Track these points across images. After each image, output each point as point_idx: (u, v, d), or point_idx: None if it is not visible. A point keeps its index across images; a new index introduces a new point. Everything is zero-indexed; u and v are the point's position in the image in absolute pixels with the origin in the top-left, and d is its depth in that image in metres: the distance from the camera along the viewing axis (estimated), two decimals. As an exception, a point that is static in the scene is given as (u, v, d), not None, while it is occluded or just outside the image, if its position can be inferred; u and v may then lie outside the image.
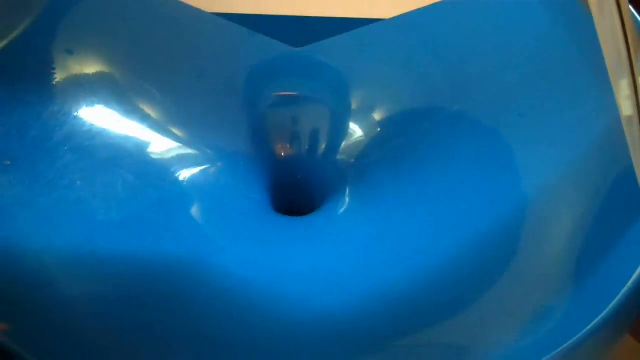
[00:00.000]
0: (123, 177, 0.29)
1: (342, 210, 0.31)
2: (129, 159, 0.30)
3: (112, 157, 0.30)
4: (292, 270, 0.28)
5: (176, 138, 0.31)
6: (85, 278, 0.26)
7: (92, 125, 0.30)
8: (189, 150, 0.31)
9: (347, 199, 0.32)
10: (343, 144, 0.32)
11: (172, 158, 0.31)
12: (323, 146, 0.33)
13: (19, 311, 0.24)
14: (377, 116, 0.33)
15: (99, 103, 0.30)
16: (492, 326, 0.24)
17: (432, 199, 0.30)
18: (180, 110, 0.32)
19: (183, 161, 0.31)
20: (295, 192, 0.34)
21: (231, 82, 0.33)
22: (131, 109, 0.31)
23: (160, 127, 0.31)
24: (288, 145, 0.33)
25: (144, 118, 0.31)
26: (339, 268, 0.28)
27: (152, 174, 0.30)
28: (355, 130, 0.32)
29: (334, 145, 0.33)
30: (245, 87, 0.32)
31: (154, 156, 0.31)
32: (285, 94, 0.33)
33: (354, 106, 0.32)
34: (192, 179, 0.31)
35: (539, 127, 0.29)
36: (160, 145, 0.31)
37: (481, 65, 0.32)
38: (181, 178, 0.31)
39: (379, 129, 0.32)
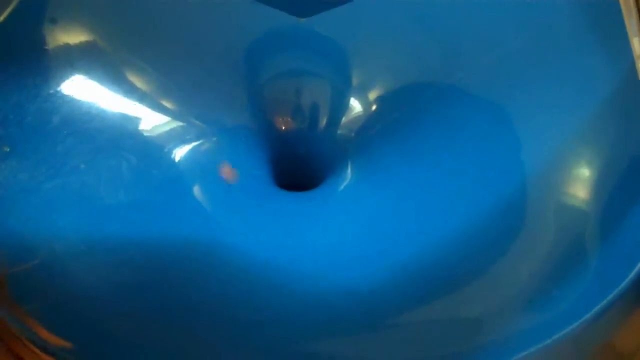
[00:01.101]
0: (126, 159, 0.29)
1: (345, 184, 0.31)
2: (130, 140, 0.30)
3: (112, 138, 0.29)
4: (303, 247, 0.28)
5: (175, 114, 0.31)
6: (99, 266, 0.26)
7: (89, 106, 0.29)
8: (188, 127, 0.31)
9: (350, 173, 0.32)
10: (343, 118, 0.32)
11: (173, 136, 0.30)
12: (324, 120, 0.33)
13: (36, 302, 0.24)
14: (376, 90, 0.32)
15: (94, 83, 0.30)
16: (507, 300, 0.24)
17: (435, 169, 0.30)
18: (177, 84, 0.31)
19: (184, 139, 0.31)
20: (296, 166, 0.34)
21: (229, 53, 0.32)
22: (127, 87, 0.30)
23: (158, 104, 0.31)
24: (289, 119, 0.33)
25: (142, 96, 0.30)
26: (349, 242, 0.28)
27: (154, 154, 0.30)
28: (355, 105, 0.32)
29: (334, 120, 0.33)
30: (244, 58, 0.32)
31: (154, 135, 0.30)
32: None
33: (353, 80, 0.32)
34: (194, 157, 0.31)
35: (543, 93, 0.29)
36: (160, 123, 0.31)
37: (478, 34, 0.32)
38: (183, 156, 0.30)
39: (378, 103, 0.32)
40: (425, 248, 0.27)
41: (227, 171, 0.31)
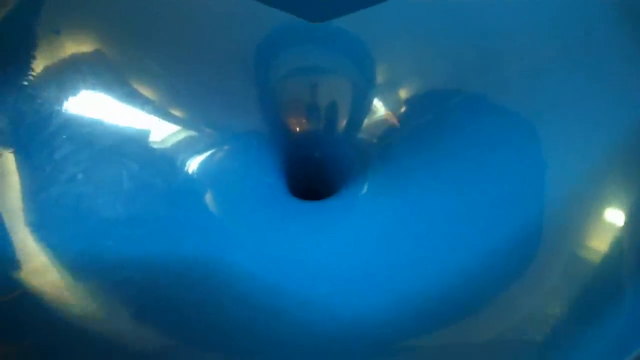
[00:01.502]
0: (127, 168, 0.27)
1: (364, 193, 0.29)
2: (132, 147, 0.27)
3: (113, 146, 0.27)
4: (313, 269, 0.26)
5: (181, 121, 0.29)
6: (95, 289, 0.24)
7: (90, 111, 0.27)
8: (195, 133, 0.29)
9: (370, 182, 0.29)
10: (365, 120, 0.30)
11: (178, 143, 0.28)
12: (343, 123, 0.30)
13: (26, 334, 0.22)
14: (402, 92, 0.29)
15: (95, 87, 0.27)
16: (529, 338, 0.22)
17: (458, 188, 0.27)
18: (183, 89, 0.29)
19: (189, 146, 0.28)
20: (312, 173, 0.32)
21: (238, 53, 0.29)
22: (130, 92, 0.28)
23: (162, 110, 0.28)
24: (303, 120, 0.31)
25: (145, 101, 0.28)
26: (363, 264, 0.26)
27: (157, 162, 0.28)
28: (378, 107, 0.30)
29: (355, 122, 0.30)
30: (254, 56, 0.29)
31: (158, 143, 0.28)
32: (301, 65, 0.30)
33: (377, 80, 0.29)
34: (201, 165, 0.28)
35: (578, 114, 0.27)
36: (164, 129, 0.28)
37: (512, 39, 0.28)
38: (189, 165, 0.28)
39: (402, 106, 0.29)
40: (452, 272, 0.25)
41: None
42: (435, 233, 0.26)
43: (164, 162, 0.28)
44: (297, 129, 0.31)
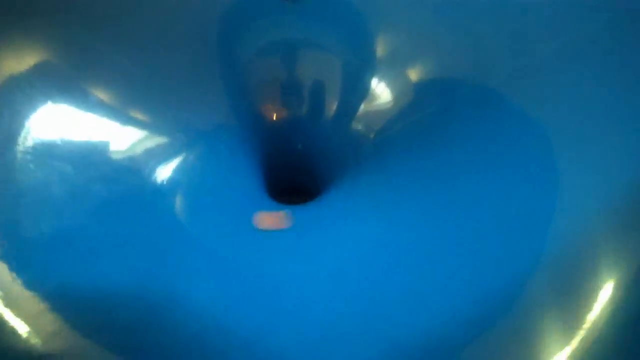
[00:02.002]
0: (88, 188, 0.21)
1: (349, 201, 0.24)
2: (92, 165, 0.22)
3: (72, 163, 0.22)
4: (279, 307, 0.21)
5: (142, 125, 0.23)
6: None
7: (41, 129, 0.21)
8: (159, 139, 0.24)
9: (362, 184, 0.24)
10: (360, 108, 0.24)
11: (142, 153, 0.23)
12: (332, 109, 0.24)
13: None
14: (404, 76, 0.24)
15: (42, 100, 0.22)
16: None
17: (461, 204, 0.23)
18: (140, 87, 0.23)
19: (155, 154, 0.23)
20: (293, 169, 0.26)
21: (198, 31, 0.24)
22: (83, 99, 0.22)
23: (122, 115, 0.23)
24: (281, 106, 0.25)
25: (101, 107, 0.22)
26: (349, 304, 0.21)
27: (122, 178, 0.22)
28: (376, 93, 0.24)
29: (346, 109, 0.24)
30: (218, 32, 0.23)
31: (121, 155, 0.23)
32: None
33: (374, 59, 0.23)
34: (169, 176, 0.23)
35: (587, 118, 0.22)
36: (126, 138, 0.23)
37: (542, 17, 0.23)
38: (156, 176, 0.23)
39: (406, 93, 0.24)
40: (463, 299, 0.21)
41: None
42: (433, 264, 0.22)
43: (127, 177, 0.23)
44: (274, 116, 0.25)
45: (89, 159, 0.22)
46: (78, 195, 0.21)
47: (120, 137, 0.23)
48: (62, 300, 0.20)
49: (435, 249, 0.22)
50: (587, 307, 0.19)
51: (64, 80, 0.22)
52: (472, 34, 0.23)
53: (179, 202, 0.23)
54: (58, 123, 0.22)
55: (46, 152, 0.22)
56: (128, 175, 0.22)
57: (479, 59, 0.23)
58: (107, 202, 0.22)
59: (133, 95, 0.23)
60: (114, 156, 0.23)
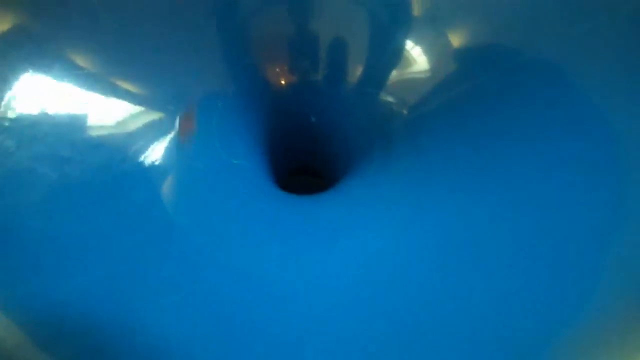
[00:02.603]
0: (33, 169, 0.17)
1: (380, 187, 0.20)
2: (76, 139, 0.18)
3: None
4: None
5: (127, 96, 0.19)
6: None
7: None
8: (146, 113, 0.19)
9: (392, 169, 0.20)
10: (392, 75, 0.19)
11: (128, 133, 0.19)
12: (355, 74, 0.20)
13: None
14: (447, 36, 0.19)
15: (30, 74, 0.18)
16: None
17: (526, 186, 0.19)
18: (123, 45, 0.19)
19: (141, 133, 0.19)
20: (306, 147, 0.21)
21: None
22: (60, 66, 0.18)
23: (112, 88, 0.19)
24: (288, 68, 0.20)
25: (92, 80, 0.18)
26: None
27: (97, 162, 0.18)
28: (411, 57, 0.19)
29: (373, 77, 0.20)
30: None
31: (100, 135, 0.19)
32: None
33: (410, 13, 0.19)
34: (149, 156, 0.19)
35: None
36: (109, 114, 0.19)
37: None
38: (133, 156, 0.19)
39: (450, 59, 0.19)
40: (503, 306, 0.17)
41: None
42: (479, 271, 0.18)
43: (105, 161, 0.18)
44: (281, 82, 0.20)
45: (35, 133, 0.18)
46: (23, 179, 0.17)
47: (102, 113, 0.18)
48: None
49: (480, 252, 0.18)
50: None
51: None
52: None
53: (162, 190, 0.19)
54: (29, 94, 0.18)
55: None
56: (94, 154, 0.18)
57: (535, 25, 0.18)
58: (64, 189, 0.17)
59: (110, 57, 0.18)
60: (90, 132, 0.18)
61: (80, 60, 0.18)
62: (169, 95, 0.19)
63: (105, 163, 0.18)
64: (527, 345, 0.17)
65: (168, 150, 0.19)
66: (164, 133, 0.19)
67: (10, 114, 0.17)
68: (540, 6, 0.19)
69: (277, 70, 0.20)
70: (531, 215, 0.19)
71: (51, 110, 0.17)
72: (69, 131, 0.17)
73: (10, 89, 0.17)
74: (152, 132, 0.19)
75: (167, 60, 0.19)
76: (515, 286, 0.18)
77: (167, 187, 0.19)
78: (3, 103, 0.17)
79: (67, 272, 0.16)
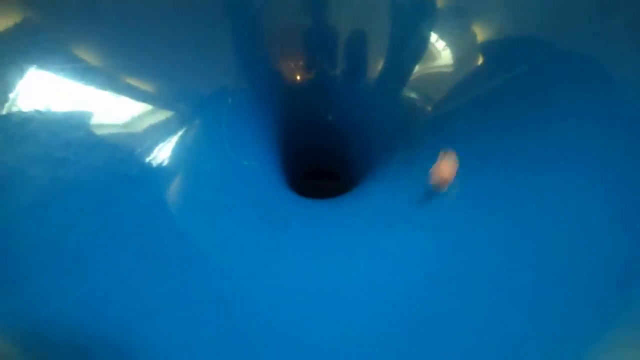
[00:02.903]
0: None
1: (402, 191, 0.19)
2: (78, 138, 0.17)
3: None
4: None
5: (135, 94, 0.18)
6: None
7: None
8: (149, 109, 0.18)
9: (415, 170, 0.19)
10: (415, 70, 0.18)
11: (129, 131, 0.18)
12: (376, 69, 0.19)
13: None
14: (479, 28, 0.18)
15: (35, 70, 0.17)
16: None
17: (560, 191, 0.17)
18: (126, 37, 0.18)
19: (143, 131, 0.18)
20: (322, 146, 0.20)
21: None
22: (56, 58, 0.17)
23: (119, 85, 0.18)
24: (304, 63, 0.18)
25: (77, 69, 0.17)
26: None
27: (94, 163, 0.17)
28: (437, 51, 0.17)
29: (396, 71, 0.18)
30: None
31: (99, 134, 0.17)
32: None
33: (439, 3, 0.17)
34: (162, 160, 0.18)
35: None
36: (109, 111, 0.18)
37: None
38: (141, 158, 0.18)
39: (478, 54, 0.18)
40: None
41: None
42: (508, 281, 0.17)
43: (100, 155, 0.17)
44: (296, 78, 0.18)
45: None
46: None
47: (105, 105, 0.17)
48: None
49: (509, 263, 0.17)
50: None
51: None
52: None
53: (167, 193, 0.17)
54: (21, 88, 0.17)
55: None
56: (91, 155, 0.17)
57: (568, 17, 0.17)
58: (56, 193, 0.16)
59: (111, 49, 0.17)
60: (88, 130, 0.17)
61: (80, 53, 0.17)
62: (175, 90, 0.18)
63: (103, 164, 0.16)
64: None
65: (173, 151, 0.18)
66: (168, 132, 0.18)
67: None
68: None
69: (292, 64, 0.19)
70: (567, 223, 0.17)
71: (45, 107, 0.16)
72: (64, 130, 0.16)
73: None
74: (155, 131, 0.18)
75: (171, 51, 0.18)
76: (548, 302, 0.16)
77: (171, 191, 0.18)
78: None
79: (58, 286, 0.15)
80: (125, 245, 0.17)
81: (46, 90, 0.16)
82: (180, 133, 0.18)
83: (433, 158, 0.19)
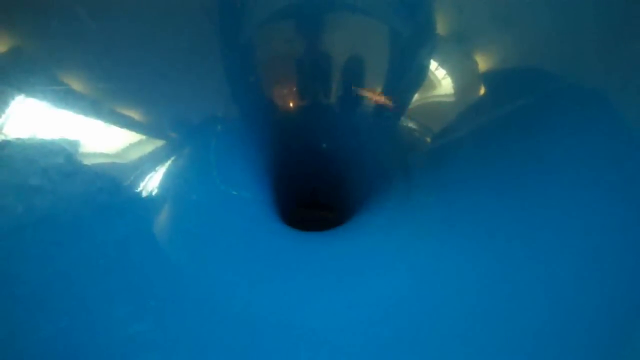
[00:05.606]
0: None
1: (400, 223, 0.18)
2: (35, 172, 0.16)
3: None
4: None
5: (119, 120, 0.17)
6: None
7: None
8: (140, 138, 0.17)
9: (413, 203, 0.18)
10: (414, 99, 0.17)
11: (111, 159, 0.17)
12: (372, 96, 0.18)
13: None
14: (478, 57, 0.17)
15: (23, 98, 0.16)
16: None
17: (565, 227, 0.17)
18: (110, 60, 0.17)
19: (127, 159, 0.17)
20: (316, 176, 0.19)
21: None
22: (36, 80, 0.16)
23: (109, 113, 0.17)
24: (298, 90, 0.18)
25: (57, 92, 0.16)
26: None
27: (72, 192, 0.16)
28: (439, 79, 0.17)
29: (394, 99, 0.17)
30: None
31: (77, 162, 0.16)
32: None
33: (435, 30, 0.17)
34: (145, 189, 0.17)
35: None
36: (90, 137, 0.17)
37: None
38: (125, 189, 0.17)
39: (480, 83, 0.17)
40: None
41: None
42: (512, 322, 0.16)
43: (78, 184, 0.16)
44: (290, 104, 0.18)
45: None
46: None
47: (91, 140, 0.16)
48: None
49: (513, 301, 0.16)
50: None
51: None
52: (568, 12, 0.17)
53: (152, 224, 0.17)
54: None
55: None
56: (68, 183, 0.16)
57: (576, 47, 0.17)
58: (30, 223, 0.15)
59: (94, 72, 0.17)
60: (66, 157, 0.16)
61: (61, 75, 0.16)
62: (162, 117, 0.17)
63: (82, 193, 0.15)
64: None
65: (158, 180, 0.17)
66: (154, 160, 0.17)
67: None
68: (582, 26, 0.17)
69: (285, 91, 0.18)
70: (570, 260, 0.16)
71: (22, 131, 0.15)
72: (41, 156, 0.15)
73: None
74: (140, 159, 0.17)
75: (158, 76, 0.17)
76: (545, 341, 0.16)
77: (156, 222, 0.17)
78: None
79: (29, 322, 0.14)
80: (103, 278, 0.16)
81: (24, 114, 0.16)
82: (167, 162, 0.17)
83: (430, 191, 0.18)
